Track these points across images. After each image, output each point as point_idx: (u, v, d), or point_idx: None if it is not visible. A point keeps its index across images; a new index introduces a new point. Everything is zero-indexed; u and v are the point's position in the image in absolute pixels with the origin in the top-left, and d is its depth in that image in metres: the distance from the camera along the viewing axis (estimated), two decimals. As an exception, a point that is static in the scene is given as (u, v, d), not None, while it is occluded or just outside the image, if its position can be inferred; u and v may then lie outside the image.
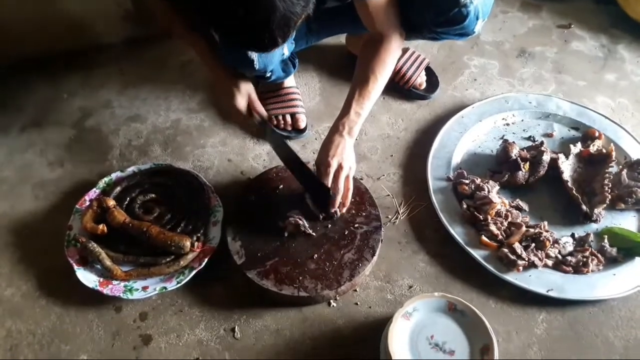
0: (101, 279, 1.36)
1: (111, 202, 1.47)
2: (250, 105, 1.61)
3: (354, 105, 1.43)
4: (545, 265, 1.44)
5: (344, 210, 1.49)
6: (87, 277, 1.36)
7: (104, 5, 1.98)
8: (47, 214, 1.58)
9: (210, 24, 1.12)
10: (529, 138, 1.78)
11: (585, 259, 1.43)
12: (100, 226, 1.43)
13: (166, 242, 1.38)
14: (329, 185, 1.42)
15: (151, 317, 1.37)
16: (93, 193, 1.55)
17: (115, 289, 1.35)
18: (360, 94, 1.43)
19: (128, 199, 1.53)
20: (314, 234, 1.45)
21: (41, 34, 1.95)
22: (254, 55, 1.44)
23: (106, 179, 1.59)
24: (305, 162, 1.52)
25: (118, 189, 1.54)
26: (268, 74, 1.62)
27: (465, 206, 1.54)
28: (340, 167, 1.41)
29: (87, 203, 1.52)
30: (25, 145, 1.78)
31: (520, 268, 1.41)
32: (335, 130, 1.44)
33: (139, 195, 1.54)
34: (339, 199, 1.43)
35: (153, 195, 1.55)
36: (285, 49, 1.55)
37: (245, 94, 1.59)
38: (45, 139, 1.80)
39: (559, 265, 1.44)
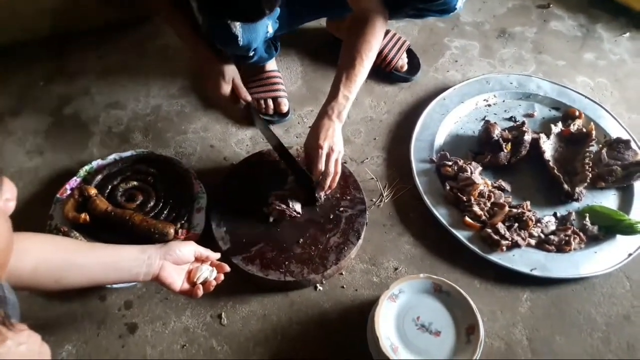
0: (85, 268, 1.34)
1: (93, 191, 1.45)
2: (235, 91, 1.61)
3: (342, 88, 1.43)
4: (529, 245, 1.45)
5: (329, 192, 1.49)
6: (71, 267, 1.35)
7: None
8: (27, 204, 1.55)
9: None
10: (510, 119, 1.79)
11: (567, 238, 1.45)
12: (83, 215, 1.41)
13: (149, 230, 1.38)
14: (321, 168, 1.41)
15: (136, 305, 1.36)
16: (74, 182, 1.53)
17: (99, 278, 1.33)
18: (348, 77, 1.43)
19: (110, 187, 1.51)
20: (300, 213, 1.45)
21: (14, 20, 1.91)
22: (238, 31, 1.40)
23: (87, 167, 1.56)
24: (289, 146, 1.51)
25: (99, 177, 1.53)
26: (251, 53, 1.58)
27: (448, 187, 1.55)
28: (331, 150, 1.41)
29: (68, 192, 1.50)
30: (3, 134, 1.74)
31: (504, 248, 1.42)
32: (324, 114, 1.44)
33: (120, 183, 1.52)
34: (328, 182, 1.43)
35: (135, 183, 1.53)
36: (270, 27, 1.52)
37: (229, 79, 1.58)
38: (23, 128, 1.76)
39: (542, 244, 1.46)
